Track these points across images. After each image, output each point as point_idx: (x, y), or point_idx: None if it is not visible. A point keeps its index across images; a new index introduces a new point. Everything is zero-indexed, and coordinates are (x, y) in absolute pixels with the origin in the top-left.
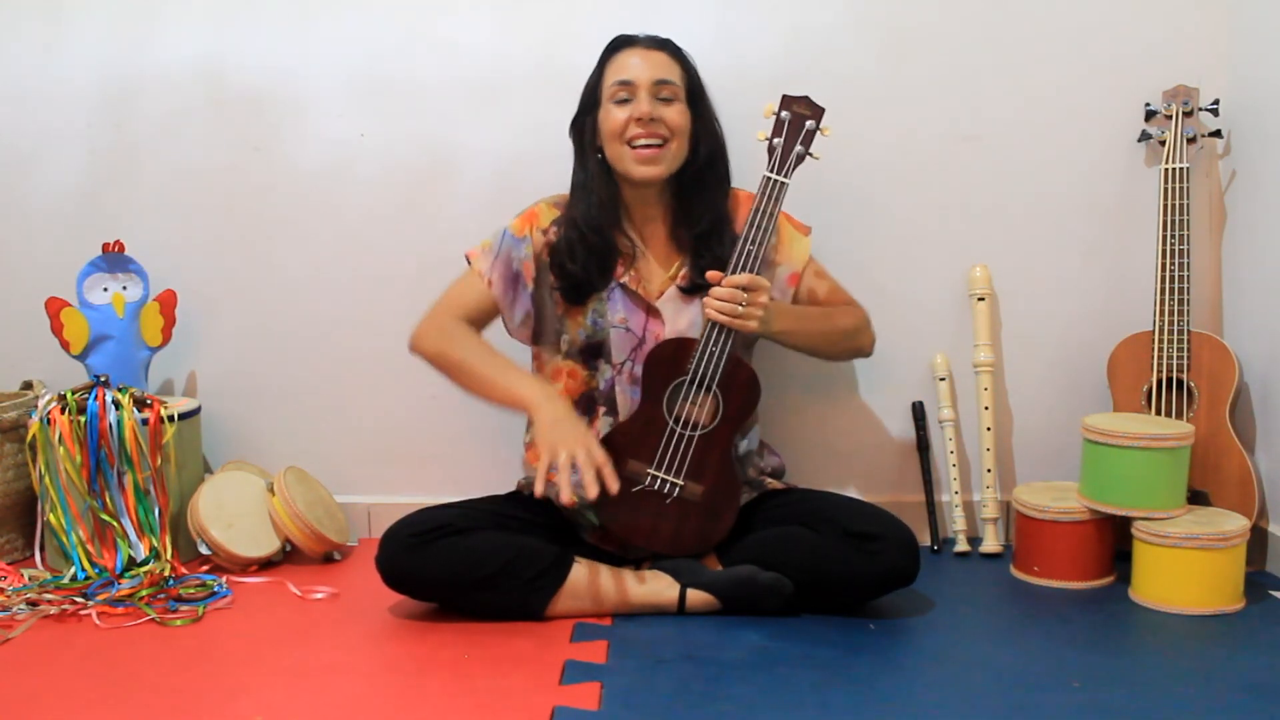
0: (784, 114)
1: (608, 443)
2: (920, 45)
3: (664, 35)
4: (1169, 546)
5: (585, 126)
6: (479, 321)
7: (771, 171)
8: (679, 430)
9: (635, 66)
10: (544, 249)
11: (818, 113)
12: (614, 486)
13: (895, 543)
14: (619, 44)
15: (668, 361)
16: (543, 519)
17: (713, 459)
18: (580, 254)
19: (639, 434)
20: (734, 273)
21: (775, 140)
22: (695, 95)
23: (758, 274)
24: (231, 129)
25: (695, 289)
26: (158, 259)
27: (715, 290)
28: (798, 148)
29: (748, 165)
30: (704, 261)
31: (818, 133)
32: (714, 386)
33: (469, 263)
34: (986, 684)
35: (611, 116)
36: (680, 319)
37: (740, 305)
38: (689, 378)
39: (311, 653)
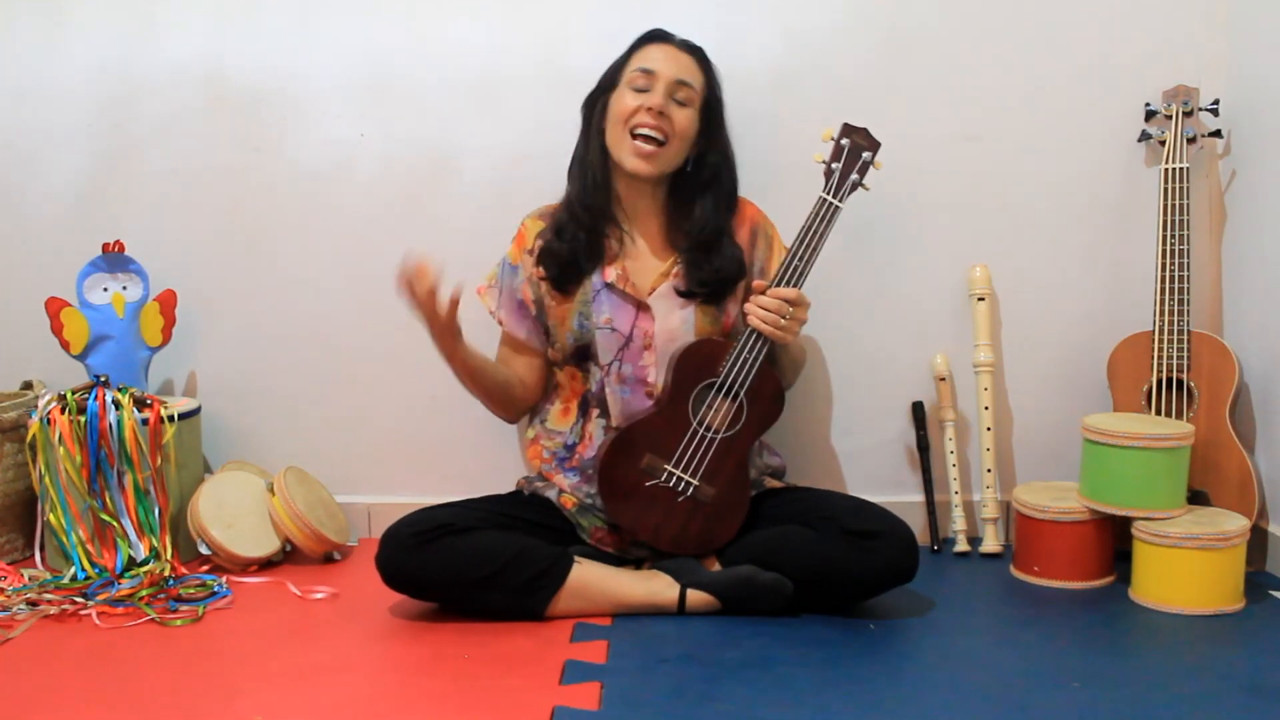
0: (844, 141)
1: (628, 434)
2: (920, 45)
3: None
4: (1169, 546)
5: (597, 104)
6: (522, 357)
7: (828, 194)
8: (701, 431)
9: (662, 60)
10: (534, 267)
11: (874, 145)
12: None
13: (894, 540)
14: (652, 36)
15: (701, 362)
16: (543, 519)
17: (729, 464)
18: (569, 231)
19: (661, 429)
20: (780, 285)
21: (834, 165)
22: (711, 108)
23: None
24: (231, 129)
25: (690, 294)
26: (158, 259)
27: (761, 300)
28: (853, 176)
29: (744, 168)
30: (704, 271)
31: (872, 165)
32: (741, 394)
33: (480, 298)
34: (986, 684)
35: (624, 100)
36: (672, 317)
37: (783, 318)
38: (719, 381)
39: (311, 653)
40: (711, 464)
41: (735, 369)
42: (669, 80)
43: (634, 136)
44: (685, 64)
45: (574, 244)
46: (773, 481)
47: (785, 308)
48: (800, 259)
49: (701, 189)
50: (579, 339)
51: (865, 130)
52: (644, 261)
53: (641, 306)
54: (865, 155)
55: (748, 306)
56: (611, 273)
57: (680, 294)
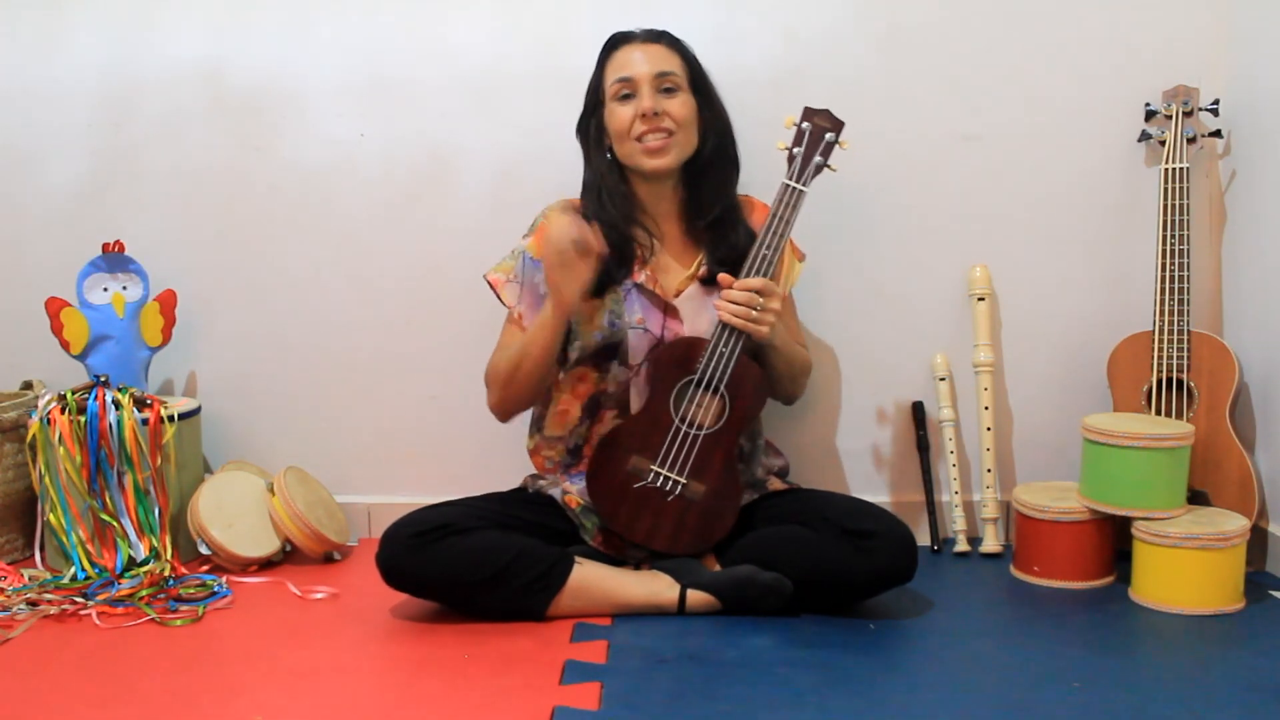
0: (805, 125)
1: (612, 437)
2: (920, 45)
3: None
4: (1169, 546)
5: (590, 127)
6: None
7: (791, 179)
8: (684, 429)
9: (634, 62)
10: None
11: (837, 126)
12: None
13: (891, 540)
14: (616, 41)
15: (677, 361)
16: (544, 519)
17: (716, 459)
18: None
19: (644, 431)
20: (748, 276)
21: (795, 150)
22: (698, 83)
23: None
24: (231, 129)
25: (715, 280)
26: (158, 259)
27: (728, 292)
28: (817, 158)
29: (746, 167)
30: (721, 251)
31: (836, 145)
32: (721, 388)
33: (492, 289)
34: (986, 684)
35: (617, 115)
36: (700, 318)
37: (754, 309)
38: (697, 378)
39: (311, 653)
40: (698, 461)
41: (712, 364)
42: (649, 77)
43: (640, 142)
44: (657, 54)
45: (604, 261)
46: (777, 482)
47: (755, 299)
48: (768, 247)
49: (709, 164)
50: (609, 337)
51: (827, 111)
52: (670, 266)
53: (669, 309)
54: (828, 136)
55: (717, 302)
56: (641, 274)
57: (706, 283)
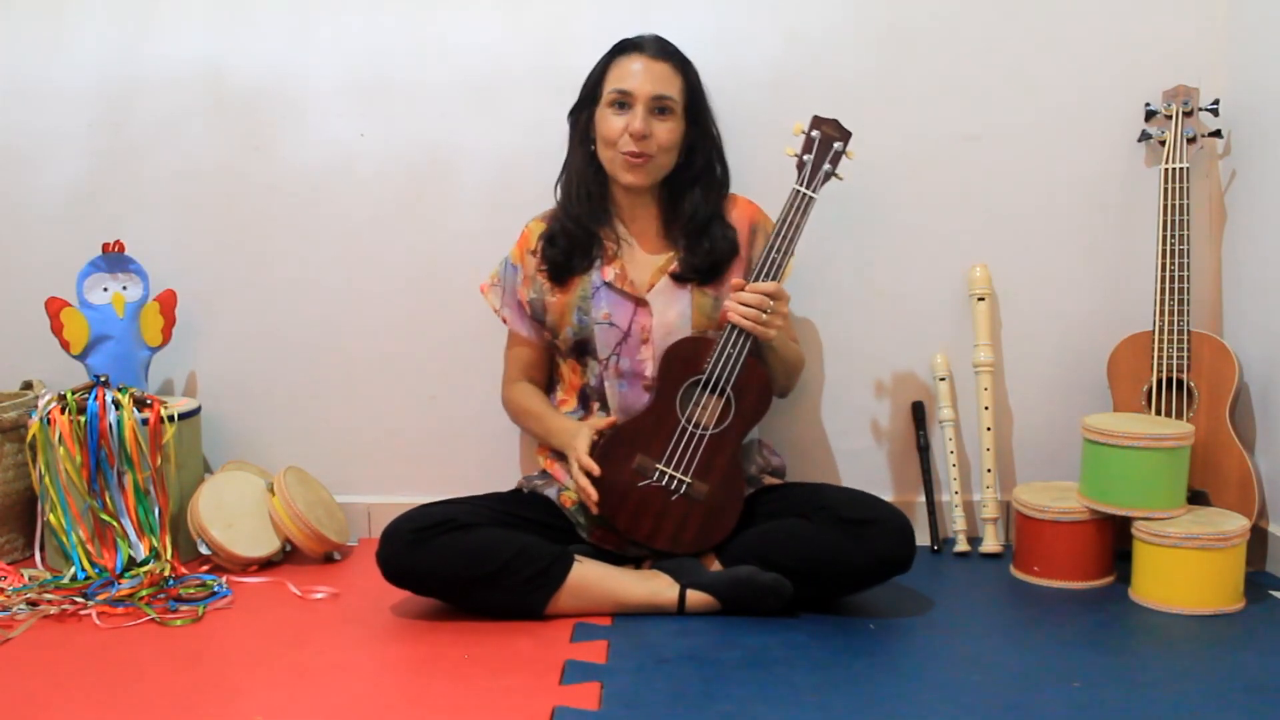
0: (814, 133)
1: (618, 435)
2: (920, 45)
3: (669, 39)
4: (1169, 546)
5: (582, 119)
6: (537, 355)
7: (802, 185)
8: (690, 429)
9: (637, 76)
10: (535, 269)
11: (845, 136)
12: (589, 499)
13: (888, 528)
14: (625, 47)
15: (685, 360)
16: (544, 517)
17: (721, 460)
18: (562, 241)
19: (650, 429)
20: (759, 280)
21: (805, 157)
22: (694, 107)
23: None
24: (231, 129)
25: (687, 278)
26: (158, 259)
27: (740, 295)
28: (826, 166)
29: (745, 168)
30: (696, 258)
31: (844, 155)
32: (728, 389)
33: (483, 295)
34: (986, 684)
35: (608, 122)
36: (670, 310)
37: (764, 313)
38: (704, 378)
39: (311, 653)
40: (702, 461)
41: (719, 365)
42: (646, 98)
43: (621, 154)
44: (661, 74)
45: (569, 248)
46: (771, 479)
47: (765, 302)
48: (778, 251)
49: (693, 181)
50: (578, 333)
51: (835, 121)
52: (641, 260)
53: (640, 303)
54: (836, 145)
55: (727, 304)
56: (610, 272)
57: (677, 278)
